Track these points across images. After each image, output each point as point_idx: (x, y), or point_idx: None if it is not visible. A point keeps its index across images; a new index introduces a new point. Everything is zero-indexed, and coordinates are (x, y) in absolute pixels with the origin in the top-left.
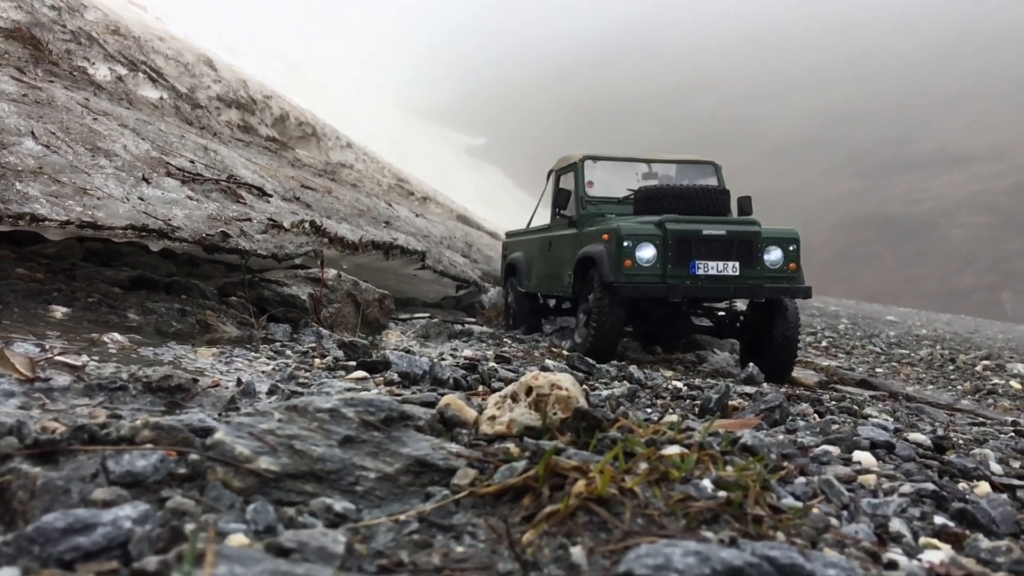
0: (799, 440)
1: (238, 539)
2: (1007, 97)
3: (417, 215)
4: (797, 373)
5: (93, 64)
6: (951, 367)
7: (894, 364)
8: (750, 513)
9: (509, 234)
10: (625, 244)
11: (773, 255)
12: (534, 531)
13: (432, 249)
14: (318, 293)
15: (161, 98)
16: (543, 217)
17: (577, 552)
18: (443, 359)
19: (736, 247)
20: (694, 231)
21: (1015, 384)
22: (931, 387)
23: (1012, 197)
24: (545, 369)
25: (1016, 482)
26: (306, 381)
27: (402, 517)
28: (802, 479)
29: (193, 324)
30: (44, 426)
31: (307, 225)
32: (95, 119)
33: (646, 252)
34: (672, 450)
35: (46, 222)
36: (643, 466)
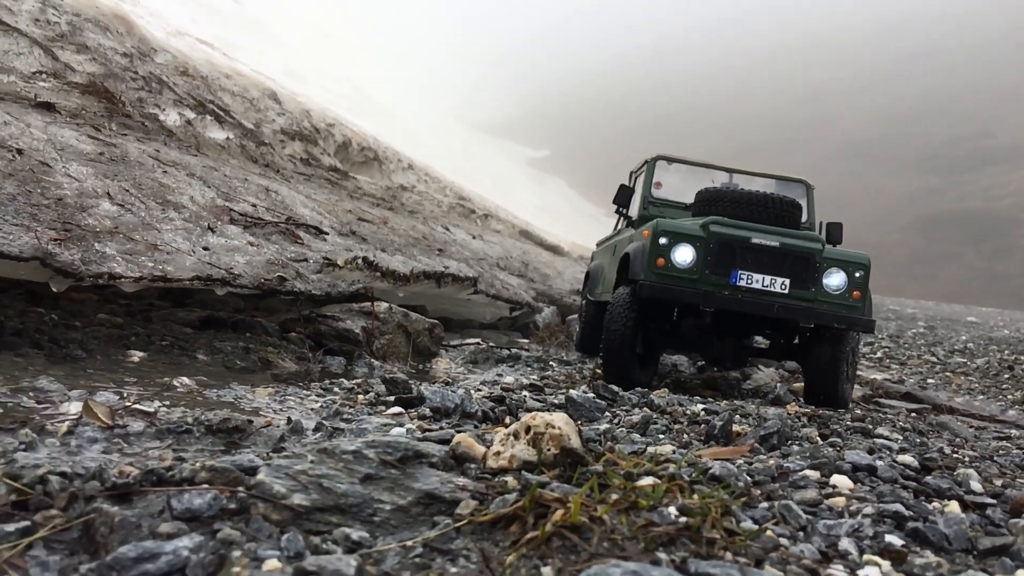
0: (784, 465)
1: (272, 564)
2: None
3: (474, 237)
4: None
5: (163, 110)
6: (1007, 375)
7: (948, 374)
8: (706, 536)
9: (599, 243)
10: (661, 241)
11: (835, 279)
12: (516, 554)
13: (485, 273)
14: (370, 326)
15: (228, 138)
16: None
17: (547, 571)
18: (478, 389)
19: (789, 262)
20: (741, 237)
21: None
22: (981, 397)
23: None
24: (570, 399)
25: (988, 500)
26: (349, 417)
27: (409, 543)
28: (765, 504)
29: (255, 361)
30: (121, 470)
31: (360, 261)
32: (165, 171)
33: (684, 253)
34: (646, 481)
35: (122, 279)
36: (614, 497)
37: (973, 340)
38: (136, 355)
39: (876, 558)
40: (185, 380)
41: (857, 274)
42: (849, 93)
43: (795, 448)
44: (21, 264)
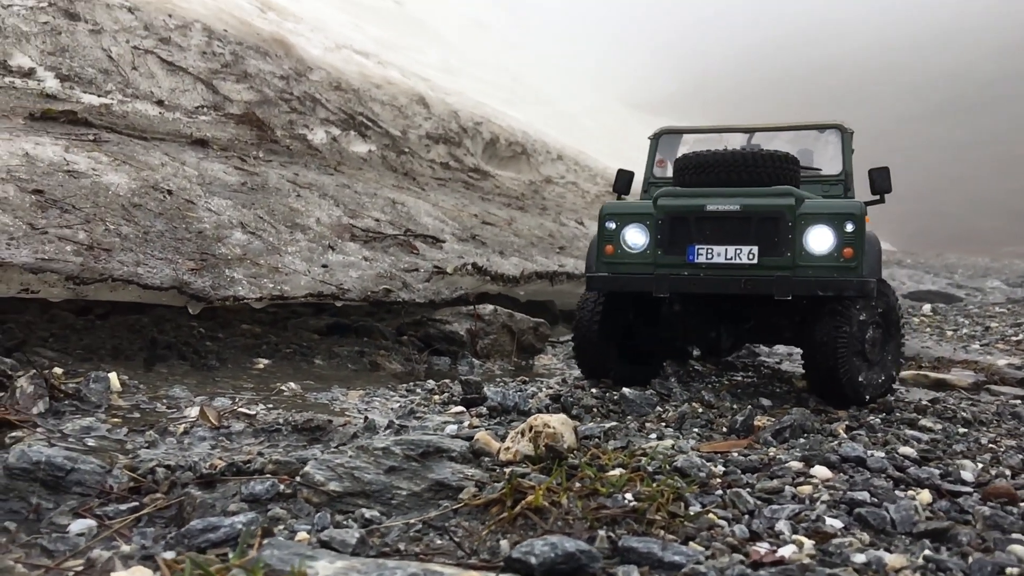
0: (778, 456)
1: (302, 535)
2: None
3: None
4: (952, 375)
5: (311, 130)
6: None
7: None
8: (648, 517)
9: None
10: (608, 226)
11: (819, 238)
12: (487, 529)
13: None
14: (474, 328)
15: (369, 151)
16: None
17: (504, 544)
18: (550, 387)
19: (755, 227)
20: (693, 207)
21: None
22: None
23: None
24: (623, 396)
25: (964, 489)
26: (421, 416)
27: (412, 521)
28: (719, 491)
29: (366, 364)
30: (213, 463)
31: (470, 267)
32: (298, 195)
33: (635, 235)
34: (615, 472)
35: (245, 300)
36: (578, 485)
37: None
38: (262, 362)
39: (802, 538)
40: (292, 385)
41: (848, 227)
42: None
43: (801, 441)
44: (162, 292)
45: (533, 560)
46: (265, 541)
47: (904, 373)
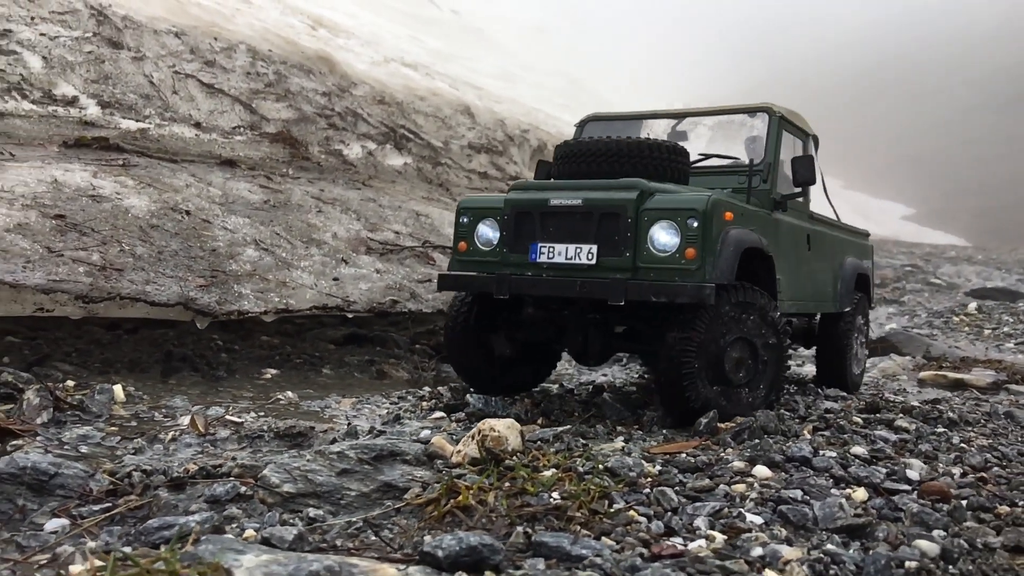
0: (726, 457)
1: (249, 532)
2: None
3: None
4: (972, 375)
5: (348, 145)
6: None
7: None
8: (568, 514)
9: None
10: (462, 221)
11: (662, 236)
12: (418, 527)
13: None
14: None
15: (405, 163)
16: None
17: (428, 538)
18: (538, 391)
19: (596, 224)
20: (537, 202)
21: None
22: None
23: None
24: (603, 400)
25: (903, 487)
26: (406, 422)
27: (354, 519)
28: (647, 490)
29: (374, 372)
30: (186, 468)
31: None
32: (320, 210)
33: (487, 231)
34: (548, 473)
35: (250, 314)
36: (507, 484)
37: None
38: (269, 372)
39: (715, 533)
40: (289, 393)
41: (691, 224)
42: None
43: (755, 442)
44: (169, 308)
45: (440, 553)
46: (203, 537)
47: (923, 373)
